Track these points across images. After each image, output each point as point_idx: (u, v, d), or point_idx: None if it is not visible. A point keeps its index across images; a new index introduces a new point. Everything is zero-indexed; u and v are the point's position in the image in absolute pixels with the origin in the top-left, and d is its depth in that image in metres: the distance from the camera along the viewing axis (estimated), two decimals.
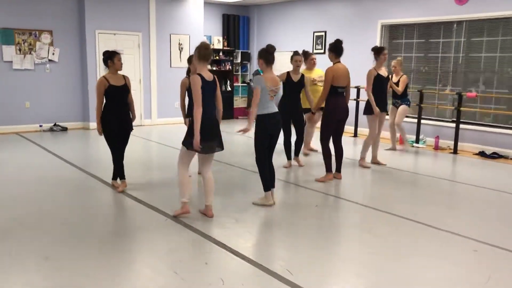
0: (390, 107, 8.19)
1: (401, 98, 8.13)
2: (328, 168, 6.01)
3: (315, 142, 7.48)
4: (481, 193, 5.73)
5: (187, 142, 4.26)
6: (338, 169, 6.14)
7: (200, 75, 4.19)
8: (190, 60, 5.58)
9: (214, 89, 4.34)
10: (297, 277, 3.25)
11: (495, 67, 8.31)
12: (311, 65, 7.50)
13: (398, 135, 8.41)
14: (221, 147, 4.43)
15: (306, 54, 7.36)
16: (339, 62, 6.00)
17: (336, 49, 5.96)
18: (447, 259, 3.65)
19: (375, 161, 7.10)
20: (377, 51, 6.80)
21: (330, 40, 10.66)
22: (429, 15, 8.96)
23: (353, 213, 4.92)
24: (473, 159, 7.83)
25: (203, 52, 4.28)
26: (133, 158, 7.39)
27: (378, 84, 6.78)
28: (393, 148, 8.24)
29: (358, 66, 9.95)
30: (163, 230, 4.22)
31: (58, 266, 3.42)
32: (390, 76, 7.56)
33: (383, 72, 6.89)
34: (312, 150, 7.91)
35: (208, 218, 4.47)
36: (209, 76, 4.26)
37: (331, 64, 6.03)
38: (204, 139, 4.17)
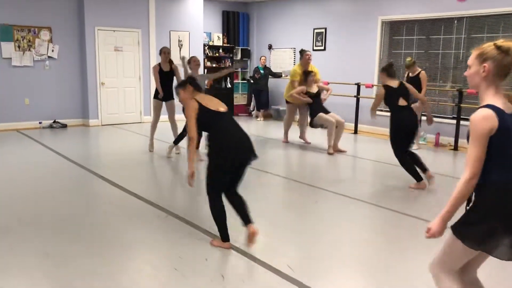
0: None
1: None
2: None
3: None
4: None
5: (471, 233, 2.13)
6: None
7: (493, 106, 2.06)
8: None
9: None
10: (298, 273, 3.24)
11: None
12: (305, 61, 7.95)
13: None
14: None
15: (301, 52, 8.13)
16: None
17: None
18: None
19: (336, 149, 7.55)
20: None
21: (330, 36, 10.77)
22: (430, 11, 8.93)
23: (354, 209, 4.91)
24: None
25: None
26: (132, 154, 7.38)
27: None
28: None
29: (359, 63, 9.96)
30: (163, 226, 4.21)
31: (58, 262, 3.42)
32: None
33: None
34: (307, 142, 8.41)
35: (208, 215, 4.44)
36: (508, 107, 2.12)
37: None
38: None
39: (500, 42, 2.07)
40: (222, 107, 3.70)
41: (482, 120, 2.02)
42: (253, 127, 10.69)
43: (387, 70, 5.62)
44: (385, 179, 6.19)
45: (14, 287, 3.08)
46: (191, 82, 3.84)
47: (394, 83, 5.55)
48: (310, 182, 5.84)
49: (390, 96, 5.52)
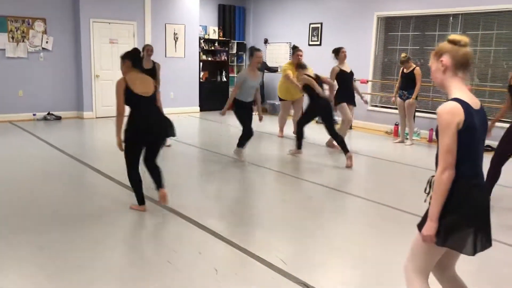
0: (396, 99, 8.20)
1: (408, 90, 7.94)
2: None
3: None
4: None
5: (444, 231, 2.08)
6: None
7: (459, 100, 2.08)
8: None
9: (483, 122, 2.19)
10: (291, 267, 3.27)
11: (490, 61, 8.33)
12: (296, 58, 7.78)
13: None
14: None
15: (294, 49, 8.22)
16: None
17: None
18: None
19: (330, 145, 7.72)
20: (336, 52, 7.41)
21: (326, 31, 10.76)
22: (425, 7, 8.95)
23: (348, 204, 4.94)
24: None
25: None
26: None
27: (342, 79, 7.29)
28: (402, 141, 8.33)
29: (354, 58, 9.95)
30: (157, 220, 4.22)
31: (52, 255, 3.42)
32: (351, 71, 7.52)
33: (346, 67, 7.39)
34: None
35: (204, 209, 4.46)
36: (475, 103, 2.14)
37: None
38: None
39: (451, 36, 2.13)
40: (146, 93, 4.13)
41: (449, 113, 2.02)
42: None
43: (301, 66, 6.86)
44: (379, 174, 6.23)
45: (10, 279, 3.08)
46: (131, 57, 4.17)
47: (312, 74, 6.71)
48: (304, 177, 5.86)
49: (308, 84, 6.52)
